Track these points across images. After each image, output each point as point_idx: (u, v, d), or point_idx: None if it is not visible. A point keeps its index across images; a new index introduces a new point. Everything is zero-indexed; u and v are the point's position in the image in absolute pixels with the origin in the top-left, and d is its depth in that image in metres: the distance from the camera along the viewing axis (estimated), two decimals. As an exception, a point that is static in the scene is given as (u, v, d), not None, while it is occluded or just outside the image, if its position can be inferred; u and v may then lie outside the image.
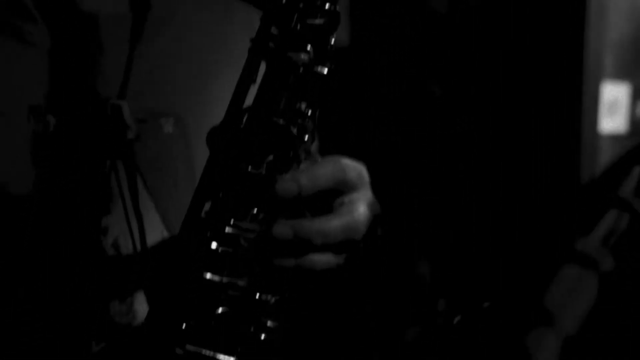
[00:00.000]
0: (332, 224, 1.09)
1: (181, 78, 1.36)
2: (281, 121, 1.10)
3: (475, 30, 2.53)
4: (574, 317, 0.76)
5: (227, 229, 1.11)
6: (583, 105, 2.96)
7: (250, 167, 1.10)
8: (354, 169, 1.12)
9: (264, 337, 1.11)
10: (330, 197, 1.12)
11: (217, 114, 1.18)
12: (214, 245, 1.10)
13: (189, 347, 1.10)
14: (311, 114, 1.11)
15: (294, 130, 1.10)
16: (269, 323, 1.11)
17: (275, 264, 1.10)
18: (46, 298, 1.23)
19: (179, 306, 1.11)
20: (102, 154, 1.28)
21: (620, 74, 3.05)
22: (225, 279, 1.10)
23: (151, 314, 1.12)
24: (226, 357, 1.10)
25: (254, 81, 1.10)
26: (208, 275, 1.10)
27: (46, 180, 1.25)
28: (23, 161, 1.24)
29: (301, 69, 1.10)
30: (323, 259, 1.09)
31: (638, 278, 0.80)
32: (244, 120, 1.11)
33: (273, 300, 1.11)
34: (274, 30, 1.11)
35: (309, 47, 1.10)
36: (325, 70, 1.11)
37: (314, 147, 1.14)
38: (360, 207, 1.12)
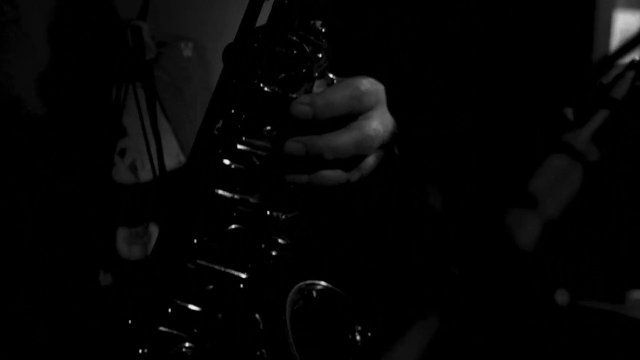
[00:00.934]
0: (343, 140, 1.09)
1: (200, 1, 1.36)
2: (295, 38, 1.10)
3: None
4: (557, 202, 0.78)
5: (240, 146, 1.12)
6: (595, 34, 2.94)
7: (263, 85, 1.11)
8: (372, 93, 1.12)
9: (275, 254, 1.12)
10: (344, 121, 1.12)
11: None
12: (226, 161, 1.11)
13: (200, 262, 1.11)
14: (325, 32, 1.11)
15: (308, 48, 1.11)
16: (279, 240, 1.12)
17: (287, 180, 1.10)
18: (56, 225, 1.24)
19: (191, 222, 1.12)
20: (121, 75, 1.29)
21: (633, 3, 3.02)
22: (236, 196, 1.12)
23: (163, 230, 1.13)
24: (237, 272, 1.11)
25: None
26: (220, 192, 1.11)
27: (64, 100, 1.26)
28: (44, 80, 1.25)
29: None
30: (334, 175, 1.10)
31: (621, 170, 0.82)
32: (259, 37, 1.11)
33: (284, 217, 1.13)
34: None
35: None
36: None
37: None
38: (373, 123, 1.11)
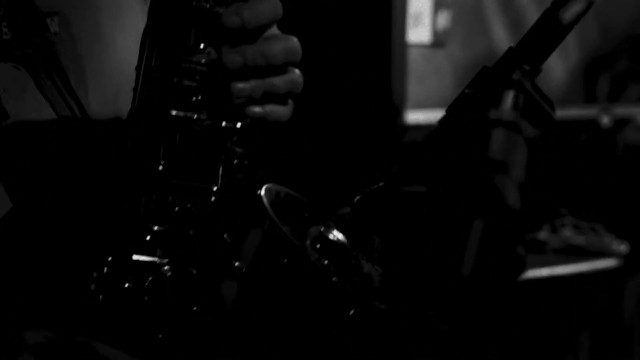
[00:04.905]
0: (274, 47, 1.17)
1: None
2: None
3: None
4: (520, 166, 0.84)
5: (184, 65, 1.14)
6: (392, 17, 3.16)
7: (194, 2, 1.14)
8: None
9: (236, 162, 1.14)
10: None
11: (101, 12, 1.29)
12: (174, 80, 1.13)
13: (174, 182, 1.13)
14: None
15: None
16: (237, 149, 1.15)
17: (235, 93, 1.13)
18: None
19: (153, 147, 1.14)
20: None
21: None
22: (189, 114, 1.13)
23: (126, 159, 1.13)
24: (207, 185, 1.14)
25: None
26: (174, 112, 1.13)
27: None
28: None
29: None
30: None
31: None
32: None
33: (239, 126, 1.15)
34: None
35: None
36: None
37: None
38: (294, 38, 1.21)
